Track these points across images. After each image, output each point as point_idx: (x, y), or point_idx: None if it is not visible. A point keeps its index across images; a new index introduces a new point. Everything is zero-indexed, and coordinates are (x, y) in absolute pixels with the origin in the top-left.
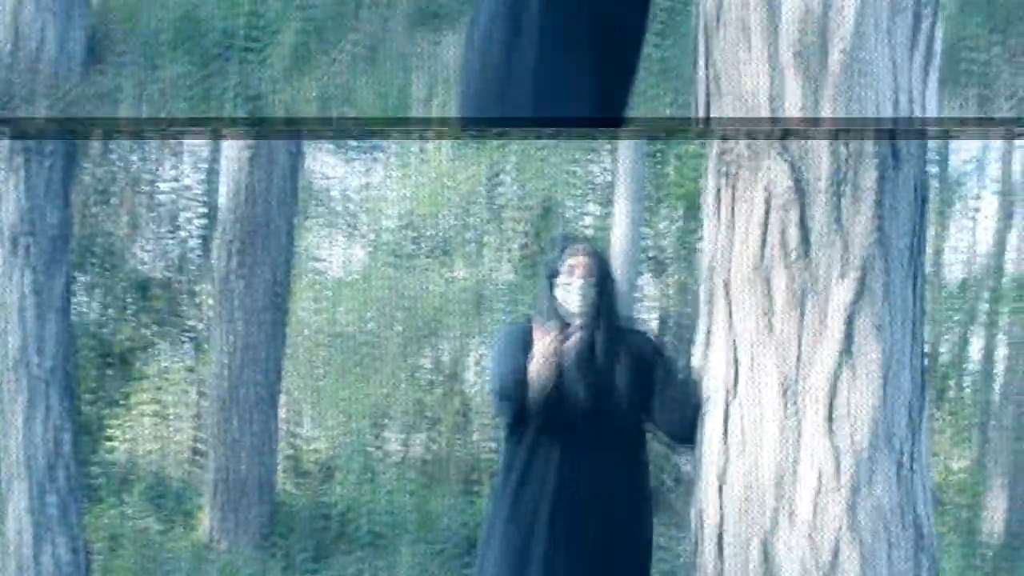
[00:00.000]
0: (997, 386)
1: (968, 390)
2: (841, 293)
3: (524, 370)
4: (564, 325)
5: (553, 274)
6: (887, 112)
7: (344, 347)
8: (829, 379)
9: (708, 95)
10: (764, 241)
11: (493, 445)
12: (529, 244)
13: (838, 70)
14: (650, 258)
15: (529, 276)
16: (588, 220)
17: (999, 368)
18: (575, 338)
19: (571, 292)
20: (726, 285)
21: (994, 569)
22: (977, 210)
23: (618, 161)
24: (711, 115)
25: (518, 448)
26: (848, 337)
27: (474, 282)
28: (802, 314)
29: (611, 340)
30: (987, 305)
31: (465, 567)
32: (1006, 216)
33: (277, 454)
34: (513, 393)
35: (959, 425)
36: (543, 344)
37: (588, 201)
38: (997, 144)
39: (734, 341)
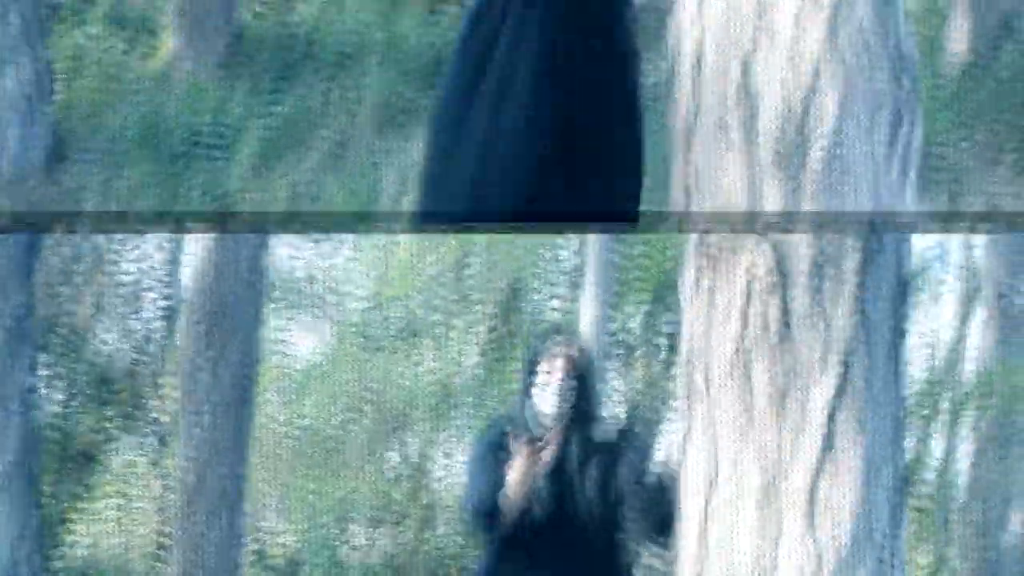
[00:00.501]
0: (962, 481)
1: (933, 485)
2: (823, 386)
3: (501, 488)
4: (541, 434)
5: (532, 370)
6: (867, 212)
7: (311, 440)
8: (810, 476)
9: (687, 193)
10: (744, 330)
11: (460, 540)
12: (498, 327)
13: (818, 168)
14: (618, 344)
15: (497, 362)
16: (556, 304)
17: (963, 463)
18: (553, 448)
19: (548, 393)
20: (705, 378)
21: None
22: (939, 304)
23: (587, 247)
24: (689, 213)
25: (495, 559)
26: (830, 433)
27: (443, 375)
28: (783, 408)
29: (588, 445)
30: (949, 401)
31: None
32: (968, 310)
33: (244, 549)
34: (491, 512)
35: (924, 521)
36: (521, 458)
37: (556, 287)
38: (959, 238)
39: (714, 436)
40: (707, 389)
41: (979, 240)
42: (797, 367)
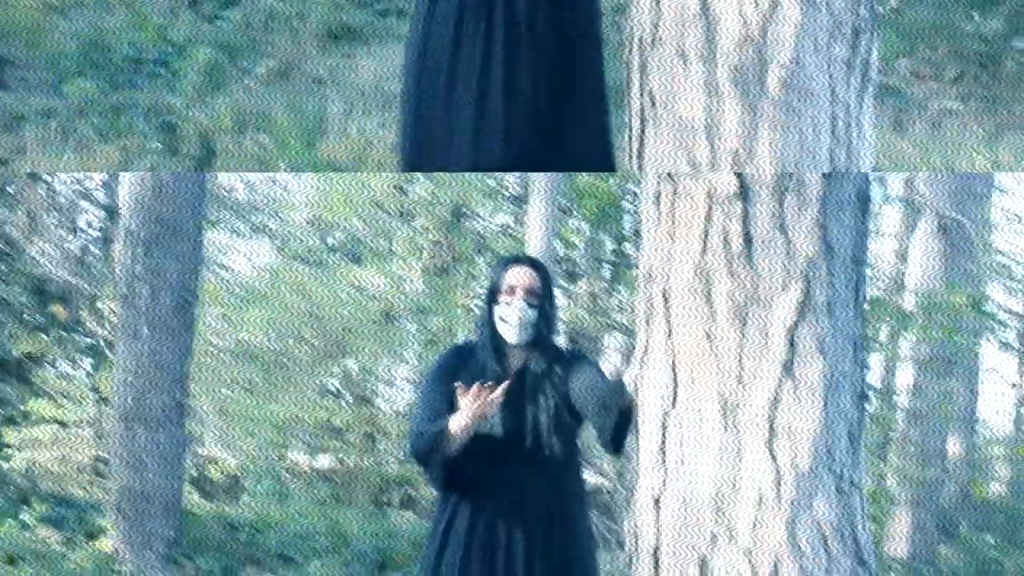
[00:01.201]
0: (901, 407)
1: (873, 411)
2: (784, 305)
3: (444, 430)
4: (494, 380)
5: (493, 293)
6: (826, 131)
7: (252, 359)
8: (770, 396)
9: (643, 118)
10: (705, 246)
11: (401, 459)
12: (442, 248)
13: (776, 91)
14: (563, 264)
15: (440, 283)
16: (499, 225)
17: (903, 388)
18: (499, 396)
19: (510, 323)
20: (665, 295)
21: None
22: (877, 230)
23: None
24: (646, 139)
25: (449, 496)
26: (790, 353)
27: (385, 295)
28: (743, 328)
29: (548, 367)
30: (888, 325)
31: None
32: (909, 234)
33: (184, 468)
34: (432, 455)
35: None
36: (466, 406)
37: (500, 207)
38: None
39: (673, 354)
40: (666, 307)
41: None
42: (758, 286)
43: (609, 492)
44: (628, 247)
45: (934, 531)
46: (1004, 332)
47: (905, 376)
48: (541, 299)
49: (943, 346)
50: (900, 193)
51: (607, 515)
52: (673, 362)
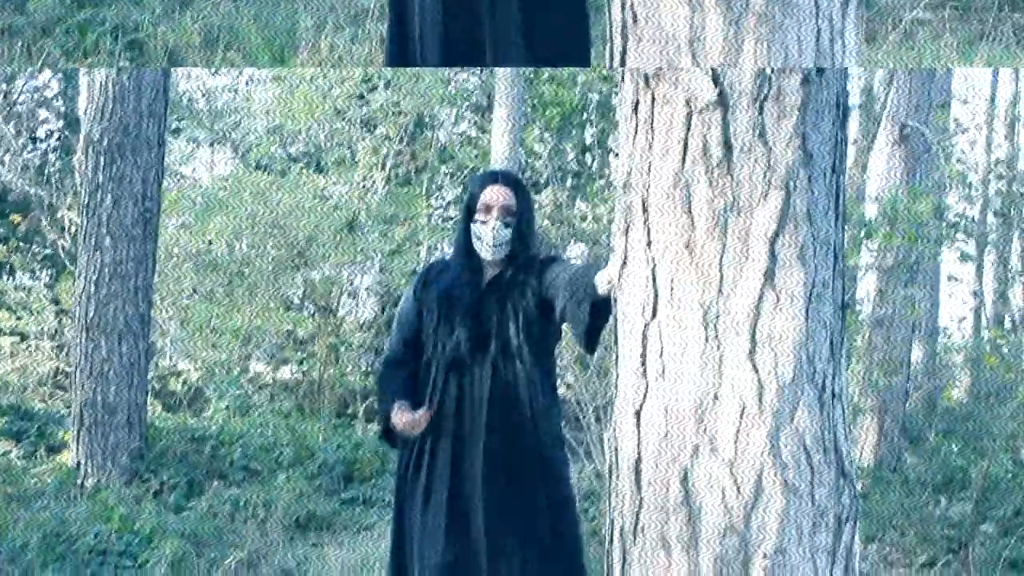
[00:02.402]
0: (863, 316)
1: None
2: (764, 214)
3: (391, 407)
4: (430, 402)
5: (469, 211)
6: (810, 45)
7: (214, 268)
8: (752, 305)
9: (625, 32)
10: (685, 154)
11: (364, 372)
12: (403, 156)
13: (760, 4)
14: (525, 175)
15: (403, 194)
16: (462, 133)
17: (867, 297)
18: (422, 424)
19: (485, 233)
20: (644, 204)
21: (864, 499)
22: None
23: (494, 77)
24: (628, 53)
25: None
26: (771, 262)
27: (348, 204)
28: (724, 236)
29: (522, 278)
30: (850, 232)
31: (342, 493)
32: (870, 141)
33: (147, 380)
34: (382, 406)
35: None
36: (396, 425)
37: (463, 115)
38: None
39: (652, 264)
40: (645, 217)
41: (880, 72)
42: (738, 195)
43: (577, 403)
44: (590, 157)
45: (900, 438)
46: (965, 242)
47: (868, 284)
48: (517, 217)
49: (906, 253)
50: (859, 101)
51: (572, 425)
52: (653, 272)
